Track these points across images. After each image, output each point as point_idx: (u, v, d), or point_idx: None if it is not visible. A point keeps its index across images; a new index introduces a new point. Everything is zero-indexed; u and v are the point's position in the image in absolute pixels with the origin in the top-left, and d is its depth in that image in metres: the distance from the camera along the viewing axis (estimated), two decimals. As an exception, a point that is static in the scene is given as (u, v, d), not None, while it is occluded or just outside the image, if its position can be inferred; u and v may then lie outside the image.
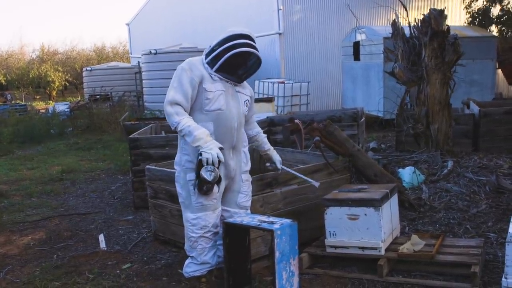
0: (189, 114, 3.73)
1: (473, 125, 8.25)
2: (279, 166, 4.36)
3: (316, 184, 4.33)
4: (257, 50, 3.76)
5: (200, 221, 3.80)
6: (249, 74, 3.90)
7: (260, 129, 4.38)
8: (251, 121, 4.26)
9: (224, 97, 3.77)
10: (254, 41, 3.79)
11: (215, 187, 3.70)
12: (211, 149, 3.54)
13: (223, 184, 3.86)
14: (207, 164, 3.53)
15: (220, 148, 3.61)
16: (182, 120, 3.62)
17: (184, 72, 3.70)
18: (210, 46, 3.80)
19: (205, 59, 3.78)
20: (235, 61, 3.72)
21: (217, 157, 3.53)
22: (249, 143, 4.25)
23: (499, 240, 4.68)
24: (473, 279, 3.79)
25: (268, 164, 4.43)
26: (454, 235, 4.88)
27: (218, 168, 3.57)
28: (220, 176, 3.61)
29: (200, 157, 3.56)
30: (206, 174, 3.54)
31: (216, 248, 3.92)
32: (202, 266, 3.90)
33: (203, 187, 3.60)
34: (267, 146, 4.38)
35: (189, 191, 3.80)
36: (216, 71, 3.72)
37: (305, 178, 4.37)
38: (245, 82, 3.98)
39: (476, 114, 8.33)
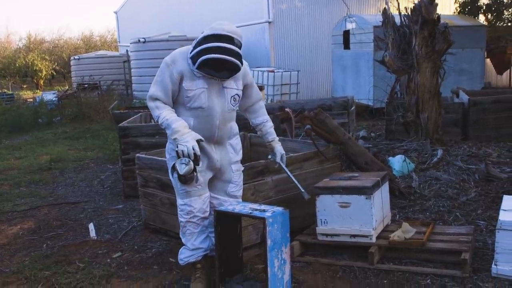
0: (174, 107, 3.70)
1: (463, 114, 8.28)
2: (278, 159, 4.19)
3: (306, 196, 4.22)
4: (236, 54, 3.54)
5: (186, 207, 3.81)
6: (231, 75, 3.67)
7: (266, 117, 4.17)
8: (255, 108, 4.11)
9: (206, 95, 3.65)
10: (233, 43, 3.55)
11: (199, 176, 3.68)
12: (187, 142, 3.51)
13: (208, 173, 3.83)
14: (183, 156, 3.52)
15: (200, 140, 3.58)
16: (161, 114, 3.62)
17: (166, 67, 3.63)
18: (196, 40, 3.65)
19: (190, 52, 3.63)
20: (212, 63, 3.53)
21: (193, 149, 3.51)
22: (256, 131, 4.22)
23: (488, 228, 4.71)
24: (463, 266, 3.81)
25: (269, 156, 4.28)
26: (444, 222, 4.90)
27: (195, 160, 3.55)
28: (195, 168, 3.57)
29: (176, 149, 3.56)
30: (179, 167, 3.51)
31: (207, 233, 3.91)
32: (194, 251, 3.88)
33: (181, 178, 3.58)
34: (271, 136, 4.18)
35: (173, 177, 3.78)
36: (197, 68, 3.57)
37: (298, 185, 4.23)
38: (241, 70, 3.73)
39: (465, 103, 8.36)
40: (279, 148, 4.19)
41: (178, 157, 3.54)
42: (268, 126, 4.16)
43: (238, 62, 3.56)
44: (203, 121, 3.70)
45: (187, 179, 3.58)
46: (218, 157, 3.83)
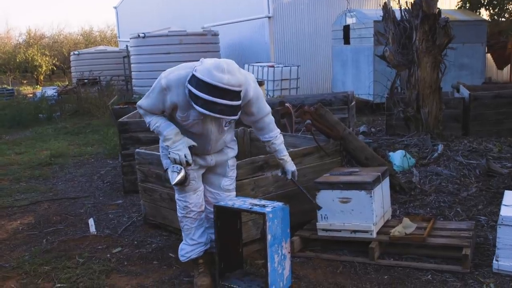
0: (169, 118, 3.62)
1: (463, 109, 8.26)
2: (289, 177, 4.00)
3: (319, 207, 4.17)
4: (230, 110, 3.23)
5: (182, 202, 3.81)
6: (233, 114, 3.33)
7: (274, 133, 3.85)
8: (260, 125, 3.80)
9: (201, 124, 3.52)
10: (230, 94, 3.20)
11: (193, 173, 3.68)
12: (179, 150, 3.50)
13: (201, 169, 3.82)
14: (175, 163, 3.52)
15: (192, 146, 3.56)
16: (152, 120, 3.61)
17: (161, 90, 3.43)
18: (195, 69, 3.26)
19: (188, 82, 3.29)
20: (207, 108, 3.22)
21: (185, 157, 3.49)
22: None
23: (489, 223, 4.70)
24: (464, 262, 3.80)
25: (279, 173, 4.08)
26: (445, 218, 4.89)
27: (187, 166, 3.54)
28: (187, 175, 3.57)
29: (168, 156, 3.56)
30: (171, 176, 3.52)
31: (204, 227, 3.90)
32: (194, 246, 3.87)
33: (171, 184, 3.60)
34: (281, 154, 3.92)
35: (166, 177, 3.77)
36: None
37: (311, 198, 4.18)
38: (241, 84, 3.34)
39: (466, 98, 8.34)
40: (289, 167, 3.97)
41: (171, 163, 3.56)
42: (277, 143, 3.88)
43: (235, 111, 3.29)
44: (197, 140, 3.62)
45: (178, 184, 3.60)
46: (213, 159, 3.82)
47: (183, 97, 3.38)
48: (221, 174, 3.91)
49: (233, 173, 3.98)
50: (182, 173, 3.53)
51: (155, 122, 3.59)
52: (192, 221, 3.84)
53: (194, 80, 3.21)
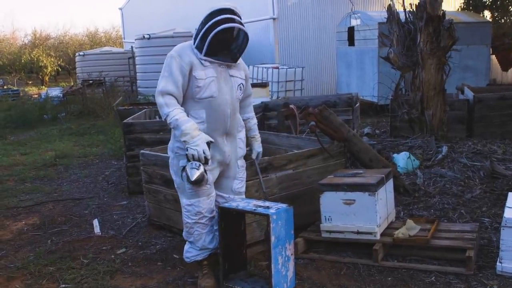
0: (182, 102, 3.64)
1: (467, 110, 8.25)
2: (253, 156, 4.22)
3: (266, 197, 4.25)
4: (242, 24, 3.57)
5: (194, 207, 3.73)
6: (241, 50, 3.71)
7: (252, 114, 4.20)
8: (245, 103, 4.08)
9: (216, 84, 3.63)
10: (237, 14, 3.59)
11: (209, 175, 3.65)
12: (198, 145, 3.45)
13: (217, 170, 3.81)
14: (193, 160, 3.47)
15: (210, 142, 3.53)
16: (171, 113, 3.52)
17: (174, 60, 3.58)
18: (195, 29, 3.65)
19: (194, 43, 3.63)
20: (222, 38, 3.55)
21: (203, 153, 3.46)
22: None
23: (493, 225, 4.70)
24: (468, 264, 3.80)
25: (247, 149, 4.24)
26: (449, 220, 4.89)
27: (205, 164, 3.50)
28: (205, 172, 3.52)
29: (186, 153, 3.51)
30: (190, 172, 3.44)
31: (213, 233, 3.88)
32: (202, 251, 3.85)
33: (191, 180, 3.53)
34: (253, 133, 4.19)
35: (181, 177, 3.73)
36: (206, 55, 3.57)
37: (262, 185, 4.25)
38: (240, 62, 3.82)
39: (470, 100, 8.33)
40: (256, 146, 4.22)
41: (188, 160, 3.50)
42: (252, 122, 4.17)
43: (246, 31, 3.61)
44: (214, 112, 3.65)
45: (197, 181, 3.53)
46: (229, 150, 3.81)
47: (195, 57, 3.60)
48: (231, 177, 3.90)
49: (243, 174, 3.99)
50: (201, 170, 3.46)
51: (174, 115, 3.51)
52: (203, 226, 3.79)
53: (201, 21, 3.56)
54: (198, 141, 3.47)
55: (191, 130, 3.49)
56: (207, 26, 3.51)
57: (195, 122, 3.58)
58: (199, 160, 3.45)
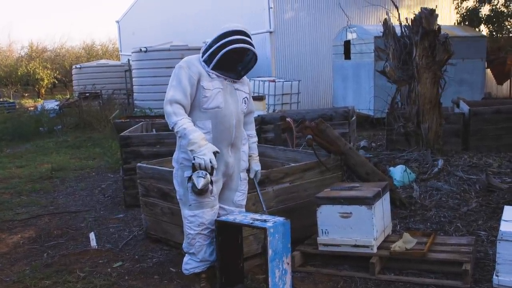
0: (189, 112, 3.69)
1: (463, 124, 8.29)
2: (252, 176, 4.18)
3: (264, 208, 4.23)
4: (253, 46, 3.71)
5: (197, 218, 3.75)
6: (247, 69, 3.85)
7: (254, 132, 4.21)
8: (247, 120, 4.10)
9: (222, 95, 3.72)
10: (249, 37, 3.74)
11: (213, 187, 3.67)
12: (204, 155, 3.49)
13: (220, 182, 3.83)
14: (200, 169, 3.51)
15: (216, 152, 3.57)
16: (179, 121, 3.57)
17: (182, 70, 3.67)
18: (206, 44, 3.75)
19: (202, 57, 3.73)
20: (231, 57, 3.68)
21: (210, 162, 3.50)
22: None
23: (489, 238, 4.71)
24: (464, 277, 3.81)
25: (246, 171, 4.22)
26: (445, 233, 4.90)
27: (211, 173, 3.54)
28: (211, 181, 3.58)
29: (193, 162, 3.54)
30: (197, 180, 3.49)
31: (214, 245, 3.88)
32: (202, 263, 3.85)
33: (196, 190, 3.56)
34: (251, 151, 4.16)
35: (186, 188, 3.75)
36: (213, 69, 3.67)
37: (263, 204, 4.23)
38: (244, 78, 3.92)
39: (466, 113, 8.37)
40: (254, 165, 4.19)
41: (195, 169, 3.52)
42: (251, 141, 4.16)
43: (257, 53, 3.77)
44: (220, 122, 3.72)
45: (203, 191, 3.57)
46: (233, 162, 3.85)
47: (203, 69, 3.71)
48: (233, 189, 3.94)
49: (245, 187, 4.02)
50: (208, 178, 3.51)
51: (182, 124, 3.57)
52: (205, 238, 3.80)
53: (214, 38, 3.68)
54: (205, 151, 3.52)
55: (198, 139, 3.53)
56: (219, 43, 3.62)
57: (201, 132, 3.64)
58: (205, 169, 3.49)
